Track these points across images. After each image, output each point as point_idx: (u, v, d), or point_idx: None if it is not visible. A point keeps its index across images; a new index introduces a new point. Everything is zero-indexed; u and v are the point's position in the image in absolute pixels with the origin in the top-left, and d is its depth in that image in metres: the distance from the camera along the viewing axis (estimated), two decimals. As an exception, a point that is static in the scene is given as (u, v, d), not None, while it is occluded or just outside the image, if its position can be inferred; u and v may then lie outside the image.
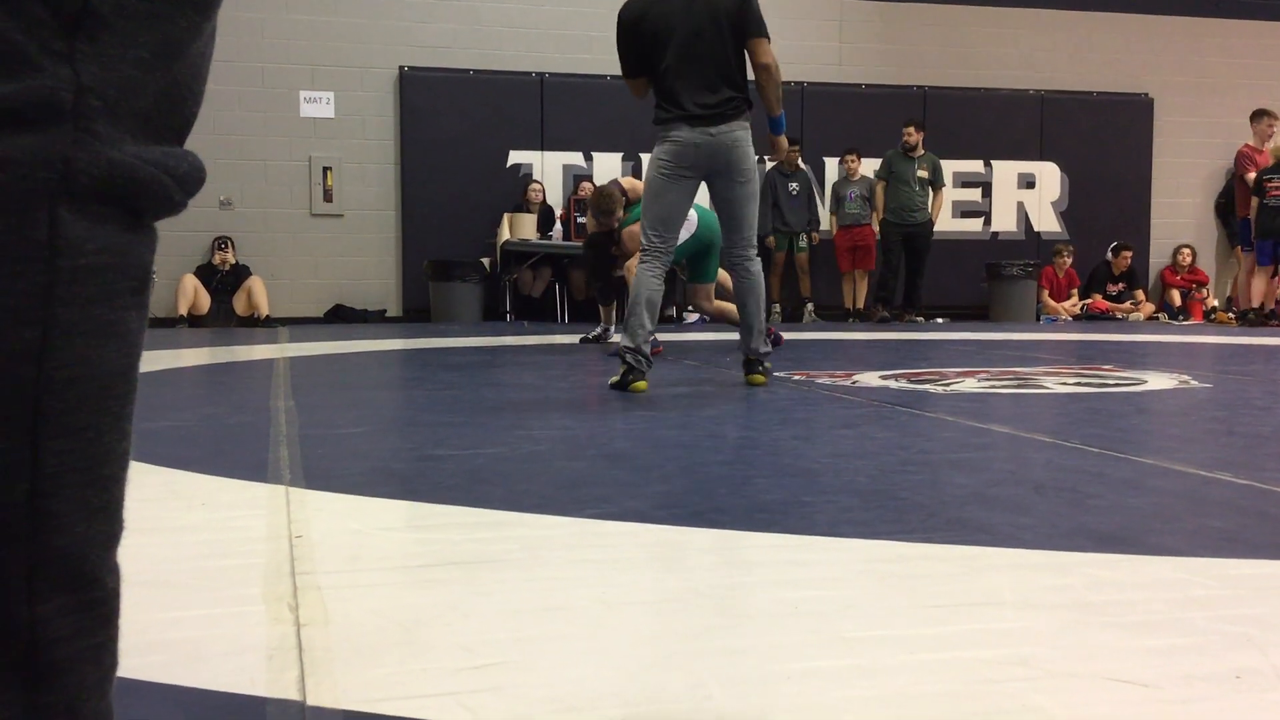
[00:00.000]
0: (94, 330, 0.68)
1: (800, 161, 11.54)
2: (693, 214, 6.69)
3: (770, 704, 1.33)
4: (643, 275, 4.83)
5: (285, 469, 2.87)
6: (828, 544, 2.12)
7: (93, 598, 0.71)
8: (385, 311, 11.29)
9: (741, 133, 4.73)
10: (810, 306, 11.59)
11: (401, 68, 11.19)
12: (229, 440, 3.47)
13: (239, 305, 10.40)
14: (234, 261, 10.51)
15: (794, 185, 11.53)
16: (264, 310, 10.34)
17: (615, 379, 4.80)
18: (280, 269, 10.91)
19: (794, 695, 1.35)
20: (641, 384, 4.75)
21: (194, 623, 1.65)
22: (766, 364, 4.98)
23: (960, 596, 1.78)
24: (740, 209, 4.84)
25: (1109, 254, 12.31)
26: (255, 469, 2.87)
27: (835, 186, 11.78)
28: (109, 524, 0.71)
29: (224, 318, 10.30)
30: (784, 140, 5.09)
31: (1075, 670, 1.43)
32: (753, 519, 2.31)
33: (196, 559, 2.01)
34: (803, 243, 11.54)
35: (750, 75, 4.82)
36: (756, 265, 4.90)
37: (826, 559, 2.02)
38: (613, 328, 7.67)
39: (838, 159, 11.91)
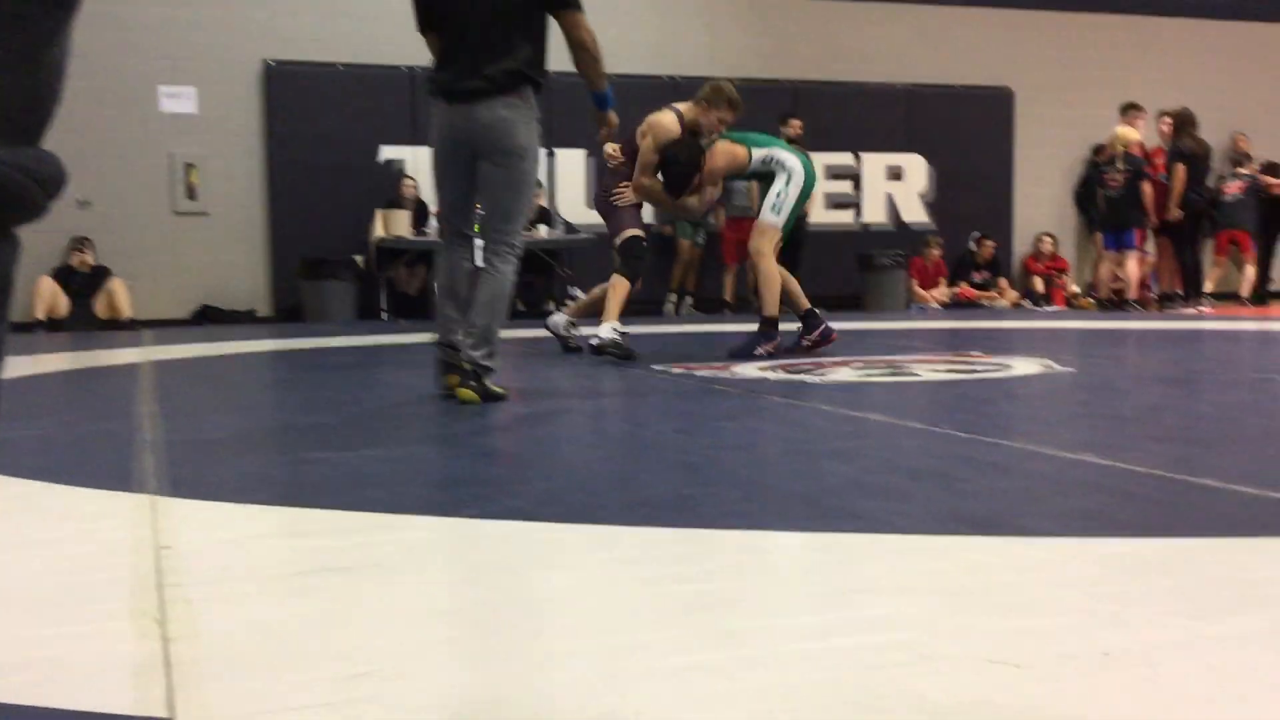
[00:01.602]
0: None
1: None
2: (796, 162, 6.00)
3: (655, 699, 1.32)
4: (438, 263, 4.44)
5: (151, 477, 2.77)
6: (711, 537, 2.12)
7: None
8: (255, 312, 11.03)
9: (506, 111, 4.12)
10: (689, 299, 11.68)
11: (266, 61, 10.93)
12: (91, 449, 3.34)
13: (100, 308, 10.05)
14: (93, 263, 10.14)
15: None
16: (126, 313, 10.01)
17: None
18: (142, 270, 10.56)
19: (678, 690, 1.35)
20: (454, 378, 4.16)
21: (56, 641, 1.58)
22: (486, 381, 4.12)
23: (840, 584, 1.80)
24: (498, 195, 4.19)
25: (971, 243, 12.67)
26: (120, 478, 2.77)
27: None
28: None
29: (84, 321, 9.94)
30: (612, 116, 4.51)
31: (952, 653, 1.46)
32: (635, 514, 2.31)
33: (58, 574, 1.93)
34: (700, 237, 11.64)
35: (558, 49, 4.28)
36: (508, 265, 4.18)
37: (709, 551, 2.03)
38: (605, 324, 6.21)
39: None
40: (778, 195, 6.00)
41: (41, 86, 0.69)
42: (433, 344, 4.30)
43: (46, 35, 0.68)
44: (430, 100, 4.29)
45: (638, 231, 6.11)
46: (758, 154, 6.08)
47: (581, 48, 4.22)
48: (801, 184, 5.99)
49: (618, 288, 5.98)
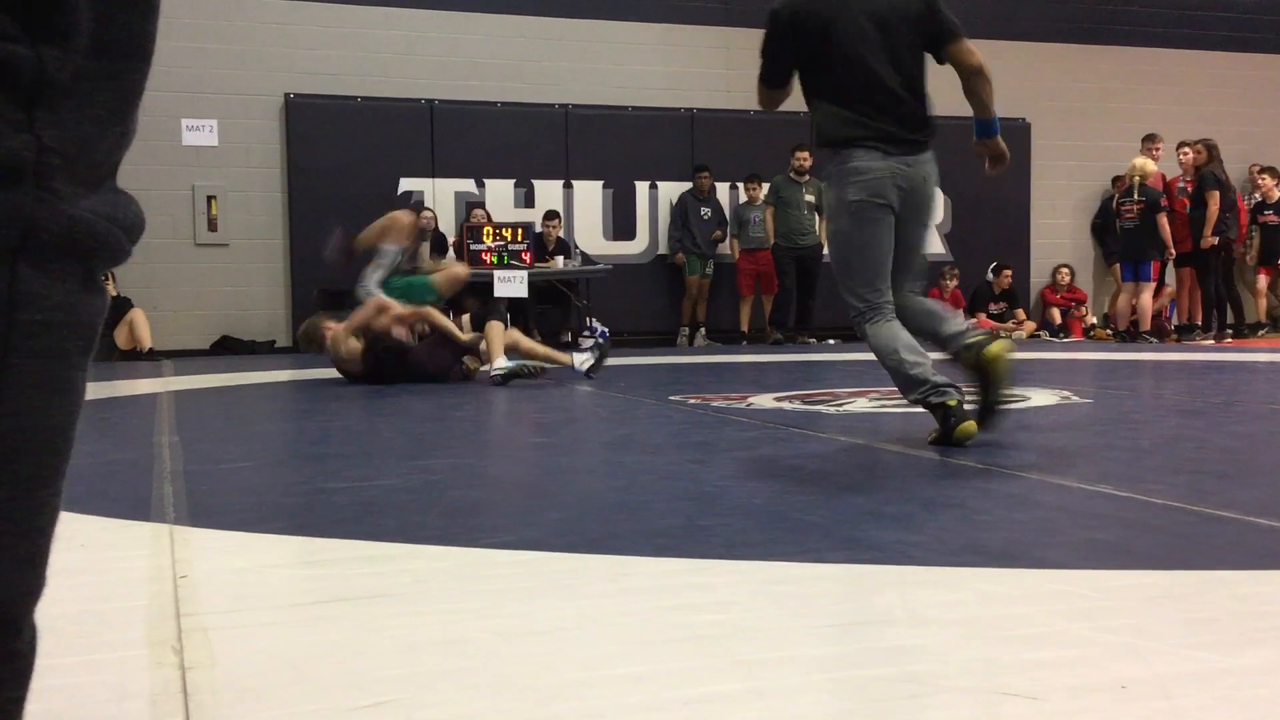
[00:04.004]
0: (44, 384, 0.69)
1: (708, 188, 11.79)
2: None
3: (668, 731, 1.32)
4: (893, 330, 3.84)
5: (169, 507, 2.79)
6: (723, 567, 2.12)
7: (13, 650, 0.71)
8: (274, 342, 11.08)
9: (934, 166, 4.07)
10: (702, 330, 11.70)
11: (287, 95, 11.03)
12: (110, 478, 3.36)
13: (120, 338, 10.12)
14: (115, 293, 10.22)
15: (705, 210, 11.69)
16: (146, 343, 10.07)
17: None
18: (163, 300, 10.64)
19: (692, 721, 1.35)
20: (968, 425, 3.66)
21: (74, 669, 1.59)
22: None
23: (854, 615, 1.79)
24: (920, 250, 4.05)
25: (990, 274, 12.65)
26: (138, 508, 2.79)
27: (739, 210, 11.92)
28: (35, 577, 0.72)
29: (105, 351, 10.00)
30: (999, 143, 4.12)
31: (966, 685, 1.46)
32: (649, 544, 2.31)
33: (77, 603, 1.94)
34: (710, 267, 11.69)
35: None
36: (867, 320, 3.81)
37: (722, 582, 2.03)
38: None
39: (728, 184, 12.06)
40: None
41: (129, 134, 0.73)
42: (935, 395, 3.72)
43: (133, 88, 0.72)
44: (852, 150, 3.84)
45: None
46: None
47: (979, 73, 3.94)
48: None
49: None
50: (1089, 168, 13.44)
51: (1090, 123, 13.46)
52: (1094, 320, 12.95)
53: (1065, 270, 13.11)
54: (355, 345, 6.65)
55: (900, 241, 3.88)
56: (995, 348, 3.61)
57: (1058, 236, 13.52)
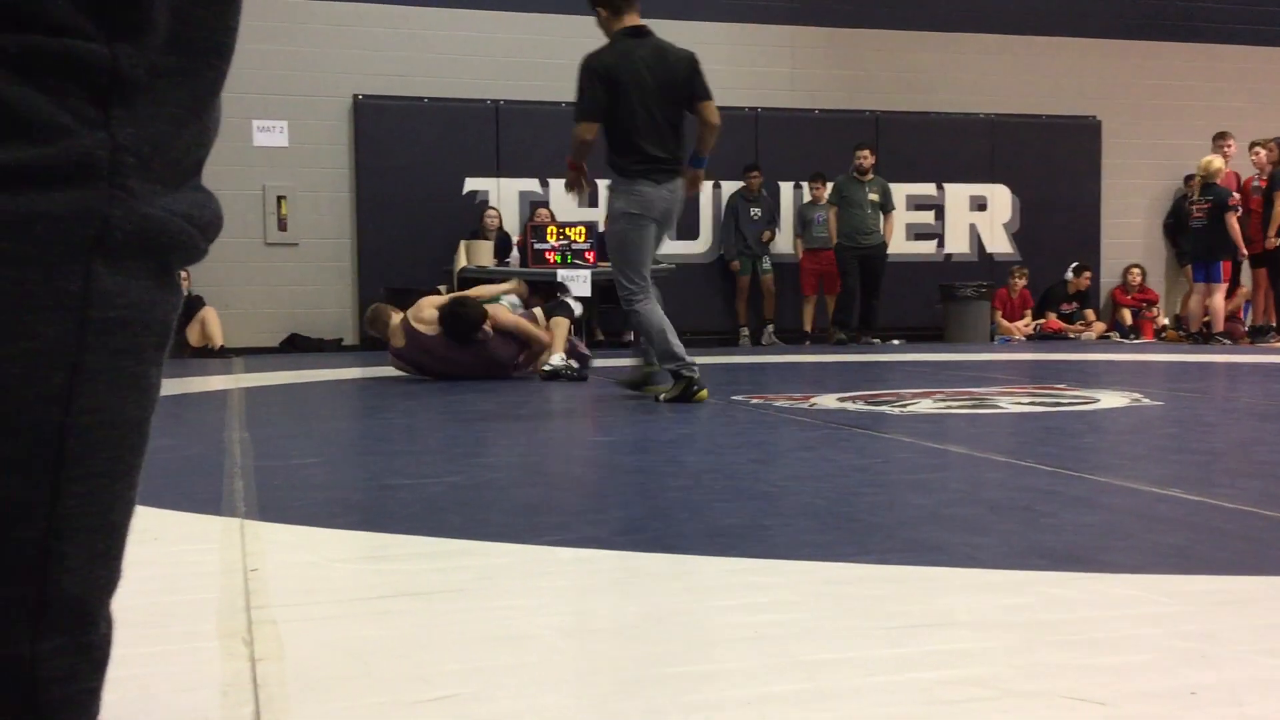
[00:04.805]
0: (118, 380, 0.70)
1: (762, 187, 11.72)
2: None
3: (729, 730, 1.33)
4: (655, 308, 5.34)
5: (240, 501, 2.84)
6: (786, 567, 2.12)
7: (89, 642, 0.72)
8: (342, 340, 11.22)
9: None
10: (770, 328, 11.67)
11: (356, 96, 11.17)
12: (183, 473, 3.43)
13: (192, 336, 10.30)
14: (187, 292, 10.42)
15: (755, 210, 11.65)
16: (218, 341, 10.25)
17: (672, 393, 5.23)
18: (234, 299, 10.82)
19: (753, 720, 1.35)
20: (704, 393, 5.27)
21: (146, 660, 1.62)
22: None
23: (917, 617, 1.78)
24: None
25: (1069, 274, 12.46)
26: (209, 502, 2.84)
27: (802, 210, 11.88)
28: (111, 570, 0.74)
29: (177, 348, 10.19)
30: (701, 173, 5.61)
31: (1031, 689, 1.44)
32: (711, 543, 2.31)
33: (148, 594, 1.98)
34: (767, 264, 11.64)
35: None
36: None
37: (785, 582, 2.02)
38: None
39: (792, 183, 12.01)
40: None
41: (207, 132, 0.74)
42: (685, 370, 5.22)
43: (210, 86, 0.73)
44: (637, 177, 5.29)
45: None
46: None
47: (713, 128, 5.40)
48: None
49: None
50: (1161, 166, 13.21)
51: (1162, 120, 13.22)
52: (1165, 321, 12.73)
53: (1137, 271, 12.90)
54: (433, 313, 6.83)
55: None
56: (703, 395, 5.19)
57: (1129, 236, 13.31)
